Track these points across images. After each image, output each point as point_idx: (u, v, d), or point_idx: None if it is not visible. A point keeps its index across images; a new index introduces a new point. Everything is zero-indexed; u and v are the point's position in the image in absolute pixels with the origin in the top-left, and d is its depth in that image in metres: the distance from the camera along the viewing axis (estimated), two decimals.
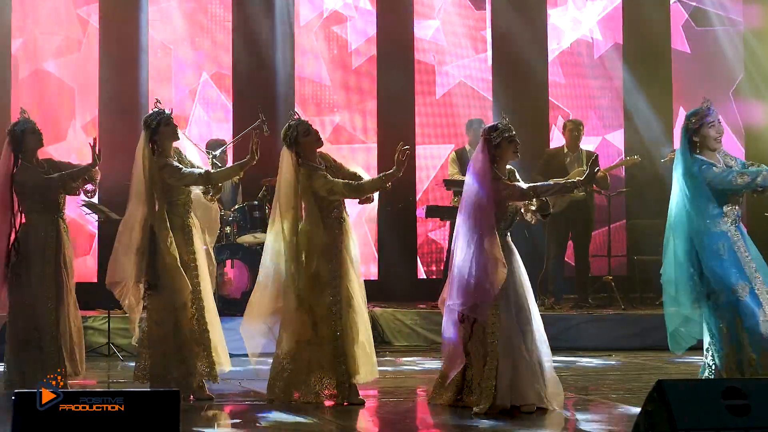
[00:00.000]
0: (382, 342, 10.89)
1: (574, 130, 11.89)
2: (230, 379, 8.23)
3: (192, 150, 8.31)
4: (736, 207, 7.13)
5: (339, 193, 7.50)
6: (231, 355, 7.90)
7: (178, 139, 7.81)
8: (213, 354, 7.67)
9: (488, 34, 13.51)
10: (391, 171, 7.40)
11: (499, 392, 7.00)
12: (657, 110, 13.49)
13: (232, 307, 10.66)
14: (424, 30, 13.46)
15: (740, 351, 6.98)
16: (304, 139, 7.56)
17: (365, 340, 7.57)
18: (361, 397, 7.49)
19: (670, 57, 13.74)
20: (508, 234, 7.30)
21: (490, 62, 13.47)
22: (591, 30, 13.74)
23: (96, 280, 10.96)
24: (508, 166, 7.34)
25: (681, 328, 7.20)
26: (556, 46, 13.70)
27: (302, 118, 7.70)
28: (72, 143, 12.34)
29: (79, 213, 11.18)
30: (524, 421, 6.83)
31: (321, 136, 7.69)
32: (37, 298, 7.87)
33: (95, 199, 9.60)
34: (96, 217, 10.78)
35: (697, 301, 7.08)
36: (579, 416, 7.01)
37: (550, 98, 13.59)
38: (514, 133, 7.20)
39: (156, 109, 7.73)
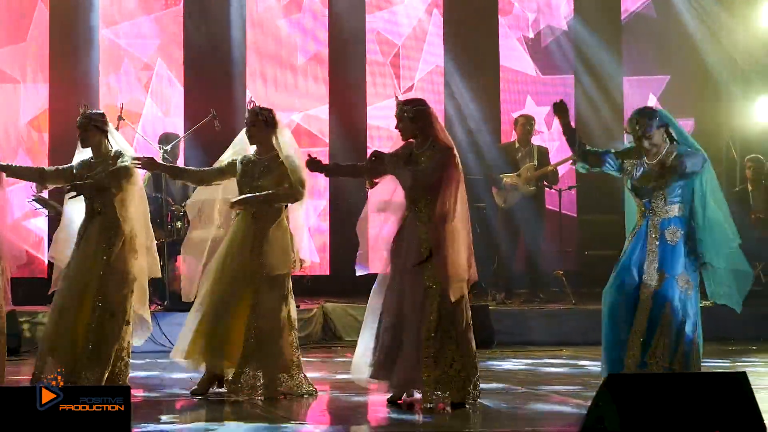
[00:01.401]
0: (333, 337, 10.92)
1: (525, 125, 11.90)
2: (181, 377, 8.21)
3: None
4: (644, 201, 7.15)
5: None
6: None
7: None
8: None
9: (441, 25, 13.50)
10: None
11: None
12: (606, 103, 13.55)
13: (183, 302, 10.57)
14: (379, 21, 13.40)
15: None
16: None
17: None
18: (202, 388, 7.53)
19: (621, 49, 13.78)
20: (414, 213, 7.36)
21: (443, 53, 13.44)
22: (559, 19, 13.73)
23: (47, 276, 10.84)
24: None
25: None
26: (521, 36, 13.68)
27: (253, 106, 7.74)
28: (18, 140, 12.19)
29: (29, 209, 11.07)
30: (471, 417, 6.89)
31: (249, 124, 7.69)
32: None
33: (44, 194, 9.56)
34: (46, 212, 10.69)
35: None
36: (529, 411, 7.05)
37: (529, 94, 13.60)
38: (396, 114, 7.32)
39: None
